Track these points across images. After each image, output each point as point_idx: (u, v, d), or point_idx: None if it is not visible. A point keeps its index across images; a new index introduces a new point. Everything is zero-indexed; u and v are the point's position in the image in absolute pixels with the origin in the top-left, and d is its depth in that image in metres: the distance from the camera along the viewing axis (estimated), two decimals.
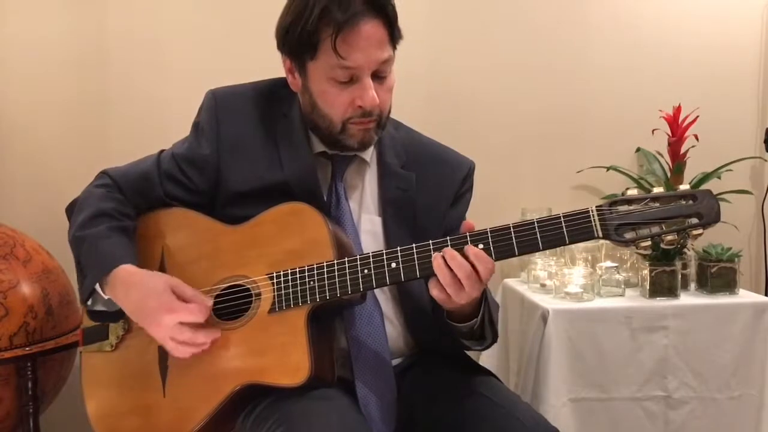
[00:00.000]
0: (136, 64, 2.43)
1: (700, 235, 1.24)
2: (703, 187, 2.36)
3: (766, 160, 2.63)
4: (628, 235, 1.23)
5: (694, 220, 1.22)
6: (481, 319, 1.39)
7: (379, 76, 1.38)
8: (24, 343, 1.84)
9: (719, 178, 2.43)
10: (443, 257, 1.27)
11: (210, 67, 2.40)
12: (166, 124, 2.26)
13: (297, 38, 1.35)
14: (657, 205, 1.23)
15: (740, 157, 2.51)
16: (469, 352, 1.55)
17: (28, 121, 2.41)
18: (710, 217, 1.22)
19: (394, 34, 1.38)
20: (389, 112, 1.46)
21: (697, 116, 2.41)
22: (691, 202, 1.23)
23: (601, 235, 1.24)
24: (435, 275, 1.28)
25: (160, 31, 2.44)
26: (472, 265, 1.26)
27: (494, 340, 1.46)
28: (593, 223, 1.24)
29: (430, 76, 2.48)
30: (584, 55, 2.59)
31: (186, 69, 2.44)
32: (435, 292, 1.29)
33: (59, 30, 2.40)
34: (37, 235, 2.09)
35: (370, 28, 1.33)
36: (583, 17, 2.58)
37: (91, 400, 1.48)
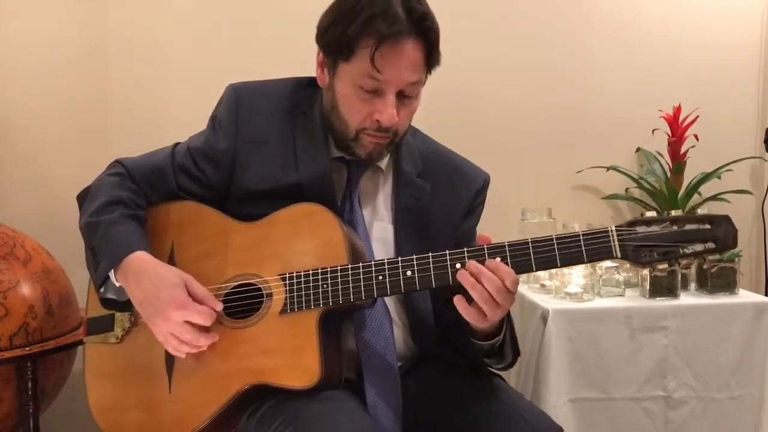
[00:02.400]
0: (136, 63, 2.43)
1: (716, 259, 1.25)
2: (703, 187, 2.40)
3: (766, 160, 2.63)
4: (646, 257, 1.24)
5: (711, 245, 1.23)
6: (503, 337, 1.38)
7: (405, 96, 1.38)
8: (24, 343, 1.84)
9: (719, 178, 2.43)
10: (472, 274, 1.25)
11: (210, 66, 2.40)
12: (166, 124, 2.28)
13: (337, 38, 1.35)
14: (675, 228, 1.24)
15: (740, 157, 2.51)
16: None
17: (28, 120, 2.41)
18: (727, 242, 1.23)
19: (431, 60, 1.38)
20: (405, 132, 1.46)
21: (697, 116, 2.41)
22: (708, 226, 1.23)
23: (619, 255, 1.24)
24: (462, 295, 1.26)
25: (160, 31, 2.44)
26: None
27: (515, 359, 1.44)
28: (612, 244, 1.24)
29: (430, 76, 2.47)
30: (584, 55, 2.59)
31: (186, 68, 2.43)
32: (468, 312, 1.27)
33: (59, 29, 2.40)
34: (37, 235, 2.09)
35: (410, 49, 1.33)
36: (583, 17, 2.58)
37: (94, 392, 1.47)
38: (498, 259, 1.26)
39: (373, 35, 1.31)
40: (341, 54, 1.35)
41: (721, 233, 1.23)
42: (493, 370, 1.47)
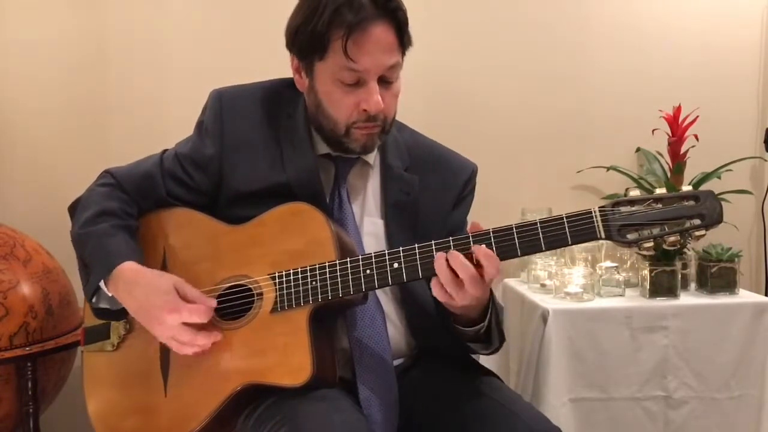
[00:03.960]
0: (136, 64, 2.43)
1: (702, 236, 1.24)
2: (703, 187, 2.40)
3: (766, 160, 2.63)
4: (631, 236, 1.23)
5: (697, 221, 1.22)
6: (488, 324, 1.38)
7: (385, 81, 1.38)
8: (24, 343, 1.84)
9: (719, 178, 2.43)
10: (446, 258, 1.26)
11: (210, 67, 2.40)
12: (166, 125, 2.28)
13: (307, 38, 1.36)
14: (659, 206, 1.23)
15: (740, 157, 2.51)
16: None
17: (29, 121, 2.41)
18: (712, 218, 1.22)
19: (403, 40, 1.38)
20: (394, 117, 1.46)
21: (697, 116, 2.41)
22: (693, 202, 1.23)
23: (603, 236, 1.23)
24: (435, 276, 1.28)
25: (160, 31, 2.44)
26: (478, 264, 1.25)
27: (501, 344, 1.45)
28: (596, 224, 1.24)
29: (430, 77, 2.48)
30: (584, 55, 2.59)
31: (186, 69, 2.44)
32: (436, 291, 1.28)
33: (59, 30, 2.40)
34: (37, 235, 2.09)
35: (380, 33, 1.34)
36: (583, 18, 2.58)
37: (92, 400, 1.48)
38: (483, 246, 1.26)
39: (342, 26, 1.31)
40: (315, 53, 1.36)
41: (706, 209, 1.22)
42: (480, 353, 1.47)
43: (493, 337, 1.42)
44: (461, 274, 1.25)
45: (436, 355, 1.51)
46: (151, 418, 1.41)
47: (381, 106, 1.37)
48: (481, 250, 1.25)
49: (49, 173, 2.41)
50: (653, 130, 2.46)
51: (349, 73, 1.35)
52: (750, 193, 2.58)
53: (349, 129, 1.40)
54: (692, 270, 2.30)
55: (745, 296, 2.21)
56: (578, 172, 2.56)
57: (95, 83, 2.42)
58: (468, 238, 1.28)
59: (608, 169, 2.52)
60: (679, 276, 2.18)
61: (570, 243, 1.25)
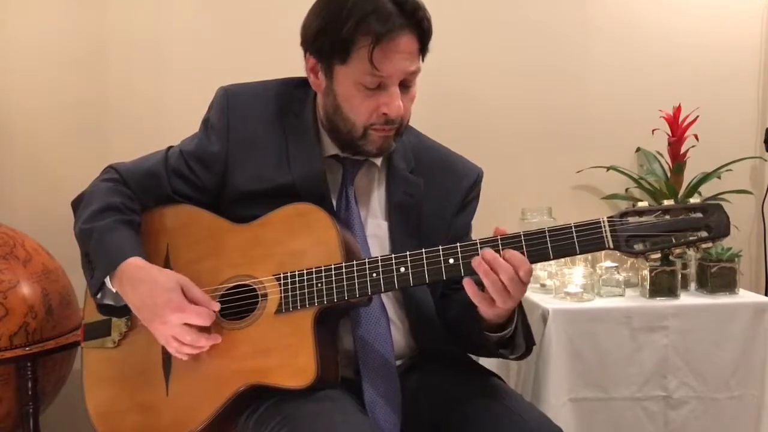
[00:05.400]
0: (136, 64, 2.43)
1: (709, 247, 1.25)
2: (703, 187, 2.41)
3: (766, 160, 2.63)
4: (638, 247, 1.24)
5: (704, 234, 1.23)
6: (515, 328, 1.37)
7: (405, 86, 1.38)
8: (24, 343, 1.84)
9: (719, 178, 2.43)
10: (486, 261, 1.25)
11: (210, 66, 2.40)
12: (166, 124, 2.28)
13: (329, 42, 1.35)
14: (667, 217, 1.24)
15: (740, 157, 2.51)
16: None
17: (29, 121, 2.41)
18: (720, 230, 1.23)
19: (424, 48, 1.39)
20: (408, 121, 1.46)
21: (697, 116, 2.41)
22: (700, 215, 1.24)
23: (611, 246, 1.25)
24: (473, 281, 1.27)
25: (160, 31, 2.44)
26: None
27: (529, 349, 1.42)
28: (604, 234, 1.25)
29: (430, 76, 2.43)
30: (584, 55, 2.59)
31: (186, 69, 2.44)
32: (478, 298, 1.27)
33: (59, 30, 2.40)
34: (37, 235, 2.09)
35: (406, 42, 1.34)
36: (583, 17, 2.58)
37: (92, 397, 1.47)
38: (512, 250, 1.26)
39: (369, 35, 1.31)
40: (336, 57, 1.35)
41: (714, 221, 1.23)
42: (508, 358, 1.45)
43: (518, 342, 1.40)
44: (503, 277, 1.23)
45: (436, 356, 1.51)
46: (152, 417, 1.40)
47: (401, 111, 1.37)
48: (507, 252, 1.25)
49: (50, 173, 2.40)
50: (653, 130, 2.46)
51: (372, 79, 1.34)
52: (750, 193, 2.58)
53: (366, 131, 1.39)
54: (692, 270, 2.30)
55: (745, 296, 2.21)
56: (578, 172, 2.56)
57: (95, 83, 2.42)
58: (475, 243, 1.28)
59: (608, 169, 2.53)
60: (679, 276, 2.18)
61: (578, 252, 1.27)
